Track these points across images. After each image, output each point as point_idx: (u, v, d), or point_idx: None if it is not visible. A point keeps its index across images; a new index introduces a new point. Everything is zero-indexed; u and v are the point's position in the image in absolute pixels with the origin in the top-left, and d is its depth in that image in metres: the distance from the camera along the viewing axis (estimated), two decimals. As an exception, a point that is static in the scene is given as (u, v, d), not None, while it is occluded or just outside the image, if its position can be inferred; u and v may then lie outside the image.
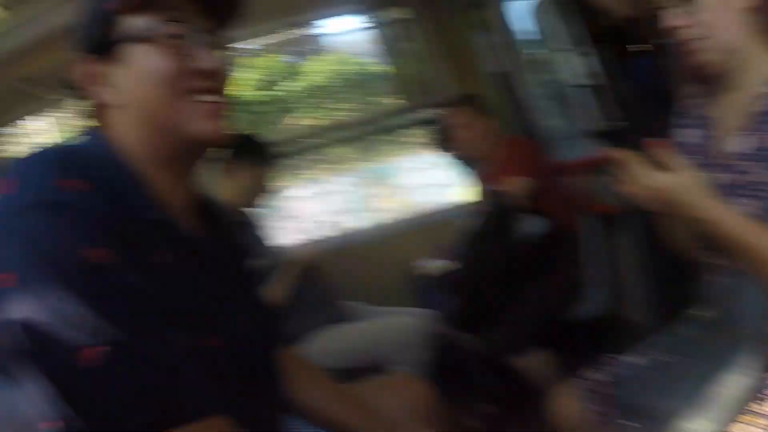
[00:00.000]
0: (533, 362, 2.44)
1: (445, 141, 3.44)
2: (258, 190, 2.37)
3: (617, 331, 2.37)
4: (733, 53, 1.30)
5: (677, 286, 1.62)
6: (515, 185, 2.72)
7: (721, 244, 1.23)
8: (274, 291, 2.20)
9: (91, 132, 0.91)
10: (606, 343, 1.65)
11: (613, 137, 1.29)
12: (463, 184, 3.56)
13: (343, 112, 9.94)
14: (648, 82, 3.35)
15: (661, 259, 1.64)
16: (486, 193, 2.98)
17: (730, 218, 1.19)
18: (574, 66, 3.28)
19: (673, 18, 1.29)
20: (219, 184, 2.26)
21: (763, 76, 1.31)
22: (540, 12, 3.71)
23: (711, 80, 1.39)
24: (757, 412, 1.13)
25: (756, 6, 1.29)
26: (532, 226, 2.71)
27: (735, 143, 1.31)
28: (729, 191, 1.26)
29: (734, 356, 1.22)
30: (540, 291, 2.59)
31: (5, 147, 3.25)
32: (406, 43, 3.91)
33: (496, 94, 3.74)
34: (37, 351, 0.69)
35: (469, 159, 3.27)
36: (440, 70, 3.90)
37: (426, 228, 3.63)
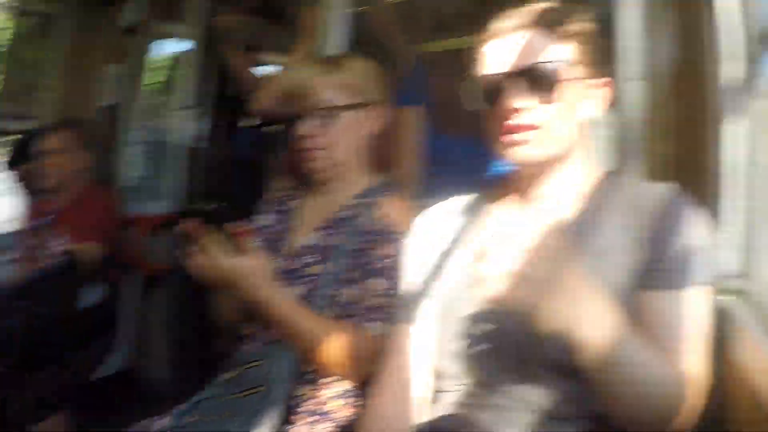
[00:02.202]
0: (51, 427, 2.49)
1: (20, 161, 3.39)
2: None
3: (141, 392, 2.52)
4: (339, 168, 1.70)
5: (206, 349, 1.99)
6: (83, 250, 2.77)
7: (271, 321, 1.54)
8: None
9: None
10: (128, 403, 1.82)
11: (199, 209, 1.53)
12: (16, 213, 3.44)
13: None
14: (248, 158, 3.71)
15: (197, 324, 1.93)
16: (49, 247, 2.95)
17: (282, 301, 1.52)
18: (184, 123, 3.38)
19: (306, 127, 1.63)
20: None
21: (355, 191, 1.71)
22: (180, 60, 3.81)
23: (310, 181, 1.78)
24: None
25: (368, 135, 1.73)
26: (90, 291, 2.81)
27: (306, 239, 1.68)
28: (289, 277, 1.61)
29: (263, 414, 1.44)
30: (74, 354, 2.71)
31: None
32: (36, 43, 3.72)
33: (102, 127, 3.78)
34: None
35: (39, 189, 3.19)
36: (55, 83, 3.78)
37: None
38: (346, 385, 1.60)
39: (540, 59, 1.14)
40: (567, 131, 1.19)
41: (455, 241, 1.34)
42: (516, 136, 1.14)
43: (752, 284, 1.41)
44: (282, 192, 1.93)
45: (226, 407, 1.55)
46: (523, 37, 1.16)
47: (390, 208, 1.66)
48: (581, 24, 1.19)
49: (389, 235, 1.60)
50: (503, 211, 1.31)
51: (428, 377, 1.32)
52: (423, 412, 1.31)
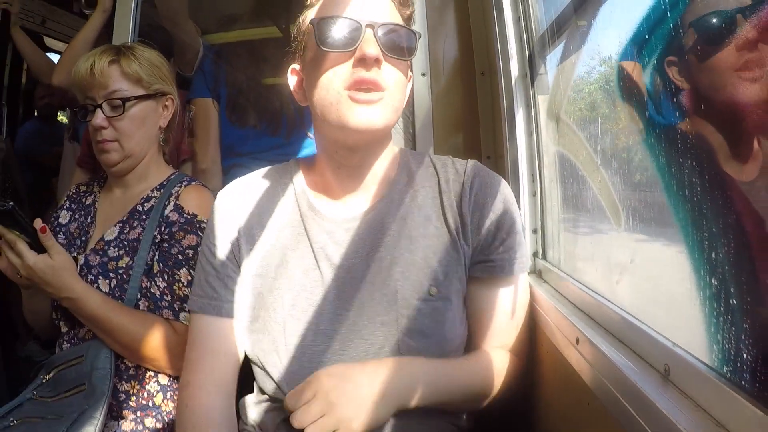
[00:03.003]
0: None
1: None
2: None
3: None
4: (135, 159, 1.66)
5: (17, 351, 1.94)
6: None
7: (82, 318, 1.48)
8: None
9: None
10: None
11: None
12: None
13: None
14: (36, 151, 3.68)
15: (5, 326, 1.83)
16: None
17: (91, 296, 1.47)
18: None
19: (96, 118, 1.57)
20: None
21: (153, 183, 1.68)
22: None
23: (106, 174, 1.75)
24: None
25: (164, 127, 1.72)
26: None
27: (109, 232, 1.62)
28: (96, 272, 1.56)
29: (87, 413, 1.41)
30: None
31: None
32: None
33: None
34: None
35: None
36: None
37: None
38: (166, 378, 1.57)
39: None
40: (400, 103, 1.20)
41: (258, 218, 1.30)
42: (367, 95, 1.10)
43: (546, 264, 1.52)
44: (76, 187, 1.84)
45: (47, 409, 1.47)
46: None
47: (189, 198, 1.63)
48: None
49: (191, 225, 1.58)
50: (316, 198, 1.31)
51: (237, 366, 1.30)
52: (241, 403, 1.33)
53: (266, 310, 1.24)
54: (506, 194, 1.26)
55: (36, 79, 3.84)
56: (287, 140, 2.19)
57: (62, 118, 4.48)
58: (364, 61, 1.07)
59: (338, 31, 1.09)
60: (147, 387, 1.55)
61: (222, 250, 1.30)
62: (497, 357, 1.27)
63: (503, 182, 1.28)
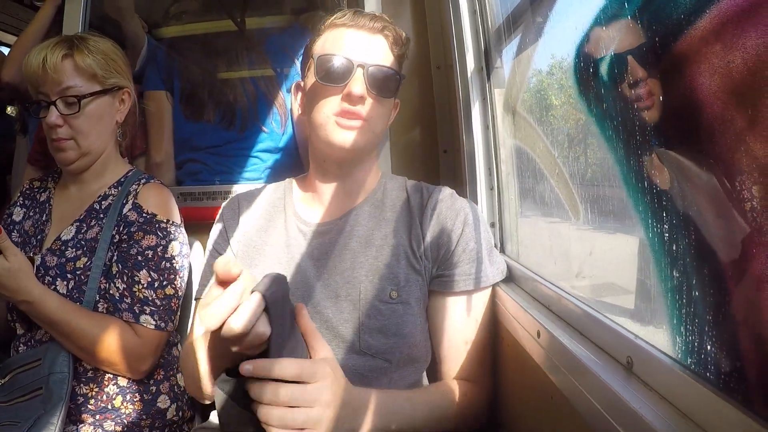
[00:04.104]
0: None
1: None
2: None
3: None
4: (91, 157, 1.61)
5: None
6: None
7: (40, 321, 1.46)
8: None
9: None
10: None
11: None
12: None
13: None
14: None
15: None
16: None
17: (49, 299, 1.43)
18: None
19: (50, 116, 1.52)
20: None
21: (110, 180, 1.65)
22: None
23: (62, 172, 1.71)
24: None
25: (121, 122, 1.68)
26: None
27: (66, 232, 1.58)
28: (54, 273, 1.52)
29: (45, 418, 1.38)
30: None
31: None
32: None
33: None
34: None
35: None
36: None
37: None
38: (126, 381, 1.53)
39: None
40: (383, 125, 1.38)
41: (264, 230, 1.42)
42: (350, 122, 1.28)
43: (506, 257, 1.52)
44: (30, 183, 1.77)
45: (4, 414, 1.42)
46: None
47: (148, 196, 1.59)
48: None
49: (150, 224, 1.55)
50: (305, 208, 1.44)
51: None
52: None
53: None
54: (468, 216, 1.35)
55: None
56: (242, 134, 2.16)
57: (11, 111, 4.30)
58: (350, 97, 1.26)
59: (333, 68, 1.28)
60: (106, 389, 1.51)
61: (219, 245, 1.44)
62: (454, 389, 1.31)
63: (470, 206, 1.39)
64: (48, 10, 2.29)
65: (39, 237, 1.62)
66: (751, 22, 0.61)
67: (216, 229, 1.47)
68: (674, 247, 0.77)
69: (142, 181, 1.64)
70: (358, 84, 1.26)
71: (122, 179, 1.66)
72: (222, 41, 2.28)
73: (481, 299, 1.34)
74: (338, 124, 1.29)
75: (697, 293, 0.73)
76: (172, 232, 1.58)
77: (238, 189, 2.04)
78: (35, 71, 1.53)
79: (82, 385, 1.50)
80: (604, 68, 0.96)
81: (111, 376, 1.52)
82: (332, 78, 1.28)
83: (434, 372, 1.40)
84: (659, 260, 0.82)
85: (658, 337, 0.84)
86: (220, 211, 1.50)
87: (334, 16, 1.36)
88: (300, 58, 1.54)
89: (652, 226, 0.83)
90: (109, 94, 1.62)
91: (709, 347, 0.72)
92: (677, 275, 0.77)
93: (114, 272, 1.52)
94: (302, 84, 1.43)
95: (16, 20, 4.02)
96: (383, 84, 1.30)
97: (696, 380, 0.71)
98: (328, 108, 1.29)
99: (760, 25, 0.60)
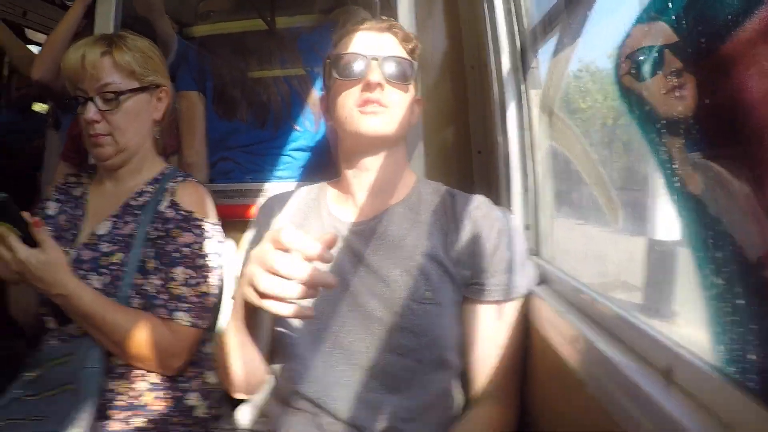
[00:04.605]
0: None
1: None
2: None
3: None
4: (128, 153, 1.62)
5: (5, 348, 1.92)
6: None
7: (74, 315, 1.46)
8: None
9: None
10: None
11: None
12: None
13: None
14: (15, 142, 3.66)
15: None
16: None
17: (84, 293, 1.43)
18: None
19: (88, 112, 1.52)
20: None
21: (146, 177, 1.66)
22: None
23: (98, 167, 1.71)
24: None
25: (158, 120, 1.68)
26: None
27: (101, 226, 1.58)
28: (88, 267, 1.52)
29: (74, 413, 1.37)
30: None
31: None
32: None
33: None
34: None
35: None
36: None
37: None
38: (157, 377, 1.54)
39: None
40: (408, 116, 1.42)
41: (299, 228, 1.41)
42: (372, 108, 1.34)
43: (541, 261, 1.50)
44: (65, 178, 1.78)
45: (33, 409, 1.42)
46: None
47: (185, 194, 1.60)
48: None
49: (188, 222, 1.56)
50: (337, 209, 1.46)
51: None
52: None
53: None
54: (505, 224, 1.37)
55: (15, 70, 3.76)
56: (275, 133, 2.17)
57: (39, 108, 4.38)
58: (369, 86, 1.33)
59: (350, 64, 1.36)
60: (136, 386, 1.52)
61: (250, 242, 1.46)
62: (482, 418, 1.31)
63: (505, 214, 1.40)
64: (78, 10, 2.30)
65: (73, 231, 1.63)
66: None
67: (251, 232, 1.49)
68: (718, 253, 0.75)
69: (179, 178, 1.65)
70: (374, 73, 1.34)
71: (159, 176, 1.67)
72: (253, 40, 2.30)
73: (514, 307, 1.34)
74: (361, 113, 1.34)
75: (742, 300, 0.71)
76: (209, 230, 1.59)
77: (269, 187, 2.04)
78: (74, 67, 1.55)
79: (112, 381, 1.50)
80: (647, 68, 0.94)
81: (142, 372, 1.52)
82: (350, 73, 1.36)
83: (465, 383, 1.39)
84: (703, 266, 0.80)
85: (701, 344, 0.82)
86: (255, 215, 1.52)
87: (344, 29, 1.46)
88: None
89: (696, 230, 0.81)
90: (147, 91, 1.63)
91: (754, 355, 0.70)
92: (722, 282, 0.75)
93: (150, 268, 1.53)
94: (325, 94, 1.49)
95: (48, 20, 4.09)
96: (398, 71, 1.36)
97: (740, 390, 0.69)
98: (350, 101, 1.36)
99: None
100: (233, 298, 1.43)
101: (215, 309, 1.62)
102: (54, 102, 2.86)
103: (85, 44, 1.57)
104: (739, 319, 0.72)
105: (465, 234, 1.34)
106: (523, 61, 1.64)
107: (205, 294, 1.55)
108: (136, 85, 1.60)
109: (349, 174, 1.44)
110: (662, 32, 0.92)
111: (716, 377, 0.74)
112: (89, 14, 2.28)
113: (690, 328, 0.95)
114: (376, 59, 1.35)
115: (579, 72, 1.50)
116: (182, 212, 1.57)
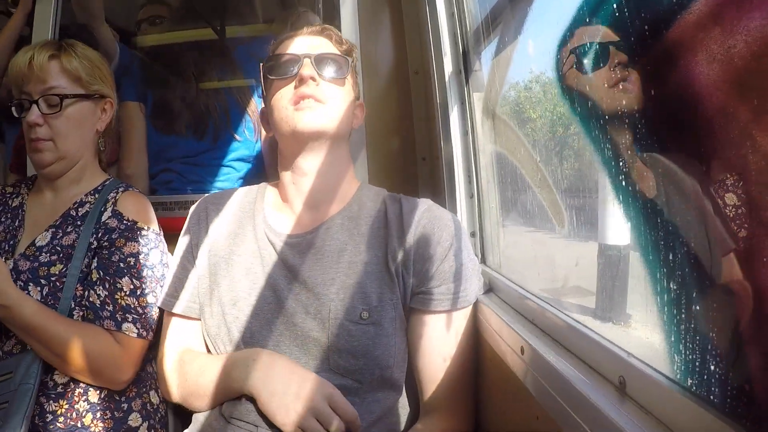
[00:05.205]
0: None
1: None
2: None
3: None
4: (69, 161, 1.56)
5: None
6: None
7: (15, 327, 1.38)
8: None
9: None
10: None
11: None
12: None
13: None
14: None
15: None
16: None
17: (26, 304, 1.37)
18: None
19: (31, 115, 1.47)
20: None
21: (88, 187, 1.60)
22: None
23: (38, 175, 1.65)
24: None
25: (101, 131, 1.62)
26: None
27: (41, 237, 1.52)
28: (26, 278, 1.44)
29: (3, 428, 1.30)
30: None
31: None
32: None
33: None
34: None
35: None
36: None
37: None
38: (97, 397, 1.46)
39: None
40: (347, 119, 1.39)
41: (233, 236, 1.40)
42: (307, 103, 1.31)
43: (487, 269, 1.46)
44: (3, 187, 1.71)
45: None
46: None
47: (128, 204, 1.55)
48: None
49: (132, 232, 1.51)
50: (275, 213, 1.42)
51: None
52: None
53: (209, 305, 1.35)
54: (455, 230, 1.32)
55: None
56: (214, 144, 2.11)
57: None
58: (302, 80, 1.31)
59: (284, 63, 1.35)
60: (76, 406, 1.44)
61: (187, 255, 1.44)
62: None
63: (454, 219, 1.35)
64: (19, 18, 2.23)
65: (11, 242, 1.57)
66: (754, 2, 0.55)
67: (185, 236, 1.45)
68: (671, 257, 0.71)
69: (120, 189, 1.60)
70: (307, 68, 1.32)
71: (99, 187, 1.62)
72: (193, 51, 2.23)
73: (463, 315, 1.29)
74: (296, 109, 1.31)
75: (696, 307, 0.67)
76: (153, 239, 1.54)
77: (210, 199, 1.96)
78: (21, 69, 1.50)
79: (51, 401, 1.43)
80: (588, 63, 0.90)
81: (81, 391, 1.45)
82: (284, 71, 1.35)
83: (414, 396, 1.34)
84: (654, 271, 0.76)
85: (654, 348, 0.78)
86: (188, 216, 1.48)
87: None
88: None
89: (645, 232, 0.77)
90: (91, 99, 1.59)
91: (710, 366, 0.65)
92: (674, 287, 0.70)
93: (94, 279, 1.47)
94: (264, 104, 1.48)
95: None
96: (332, 67, 1.36)
97: (695, 402, 0.65)
98: (285, 98, 1.33)
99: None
100: (159, 307, 1.44)
101: (158, 321, 1.54)
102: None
103: (34, 47, 1.53)
104: (693, 326, 0.67)
105: (412, 239, 1.28)
106: (465, 64, 1.60)
107: (152, 305, 1.50)
108: (81, 91, 1.56)
109: (288, 179, 1.39)
110: (603, 29, 0.89)
111: (670, 388, 0.69)
112: (31, 22, 2.19)
113: (642, 332, 0.91)
114: (308, 56, 1.34)
115: (529, 83, 1.47)
116: (126, 221, 1.52)
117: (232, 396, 1.24)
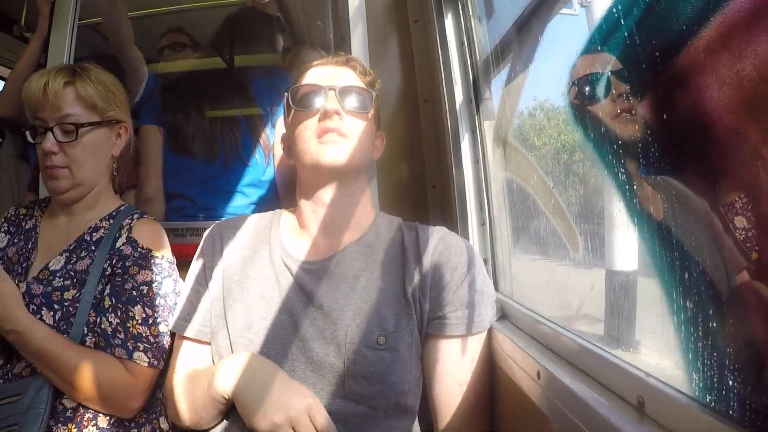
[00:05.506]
0: None
1: None
2: None
3: None
4: (86, 189, 1.58)
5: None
6: None
7: (26, 352, 1.38)
8: None
9: None
10: None
11: None
12: None
13: None
14: None
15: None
16: None
17: (37, 329, 1.37)
18: None
19: (47, 143, 1.47)
20: None
21: (102, 212, 1.61)
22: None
23: (53, 200, 1.64)
24: None
25: (116, 156, 1.63)
26: None
27: (54, 261, 1.52)
28: (39, 302, 1.44)
29: None
30: None
31: None
32: None
33: None
34: None
35: None
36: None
37: None
38: (106, 423, 1.45)
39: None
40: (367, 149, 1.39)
41: (248, 260, 1.40)
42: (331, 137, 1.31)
43: (500, 295, 1.46)
44: (16, 209, 1.71)
45: None
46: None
47: (142, 231, 1.55)
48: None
49: (146, 260, 1.50)
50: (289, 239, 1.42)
51: None
52: None
53: (223, 329, 1.34)
54: (469, 256, 1.32)
55: None
56: (225, 168, 2.15)
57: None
58: (326, 114, 1.31)
59: (307, 95, 1.35)
60: (85, 431, 1.43)
61: (201, 279, 1.44)
62: None
63: (469, 246, 1.36)
64: (37, 44, 2.27)
65: (24, 265, 1.56)
66: (762, 27, 0.57)
67: (198, 260, 1.46)
68: (686, 277, 0.72)
69: (135, 216, 1.60)
70: (331, 102, 1.32)
71: (114, 213, 1.62)
72: (211, 79, 2.27)
73: (478, 340, 1.30)
74: (320, 143, 1.31)
75: (714, 324, 0.67)
76: (166, 268, 1.54)
77: (222, 226, 1.99)
78: (35, 95, 1.50)
79: (60, 425, 1.42)
80: (600, 90, 0.92)
81: (91, 416, 1.44)
82: (308, 103, 1.34)
83: (429, 422, 1.33)
84: (669, 291, 0.77)
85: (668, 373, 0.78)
86: (201, 240, 1.48)
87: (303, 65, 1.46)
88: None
89: (661, 257, 0.78)
90: (107, 126, 1.60)
91: (730, 383, 0.66)
92: (691, 306, 0.71)
93: (107, 306, 1.46)
94: (286, 131, 1.47)
95: (7, 52, 4.00)
96: (356, 101, 1.35)
97: (714, 418, 0.65)
98: (308, 131, 1.33)
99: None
100: (171, 332, 1.43)
101: (169, 350, 1.54)
102: (22, 135, 2.79)
103: (49, 73, 1.53)
104: (710, 343, 0.68)
105: (428, 265, 1.29)
106: (476, 92, 1.62)
107: (163, 334, 1.49)
108: (96, 119, 1.57)
109: (307, 208, 1.40)
110: (610, 59, 0.91)
111: (690, 406, 0.70)
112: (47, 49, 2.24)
113: (654, 357, 0.91)
114: (333, 89, 1.33)
115: (533, 110, 1.49)
116: (141, 249, 1.52)
117: (221, 401, 1.24)
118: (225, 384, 1.21)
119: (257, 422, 1.15)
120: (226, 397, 1.22)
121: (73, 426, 1.43)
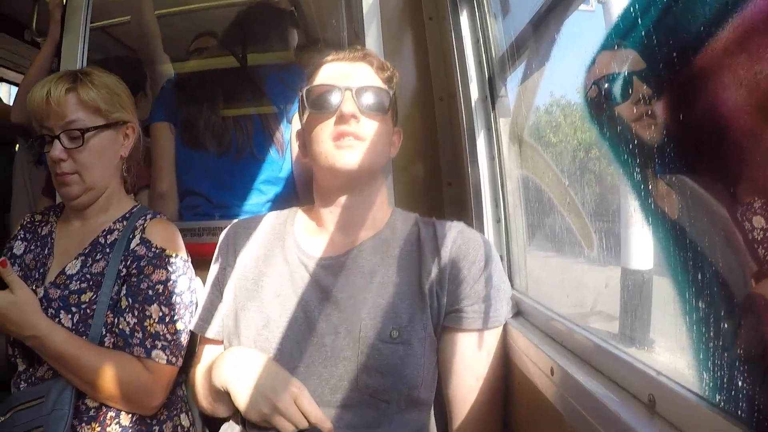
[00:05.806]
0: None
1: None
2: None
3: None
4: (98, 192, 1.59)
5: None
6: None
7: (46, 356, 1.41)
8: None
9: None
10: None
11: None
12: None
13: None
14: None
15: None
16: None
17: (56, 333, 1.39)
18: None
19: (54, 150, 1.49)
20: None
21: (115, 215, 1.62)
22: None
23: (66, 206, 1.67)
24: None
25: (125, 157, 1.64)
26: None
27: (71, 265, 1.54)
28: (57, 306, 1.46)
29: None
30: None
31: None
32: None
33: None
34: None
35: None
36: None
37: None
38: (129, 421, 1.48)
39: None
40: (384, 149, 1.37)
41: (263, 259, 1.41)
42: (348, 142, 1.29)
43: (515, 292, 1.47)
44: (32, 215, 1.74)
45: None
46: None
47: (156, 231, 1.57)
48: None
49: (160, 259, 1.52)
50: (307, 238, 1.43)
51: None
52: None
53: (238, 328, 1.36)
54: (487, 251, 1.32)
55: None
56: (237, 160, 2.14)
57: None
58: (343, 118, 1.28)
59: (323, 96, 1.31)
60: (108, 429, 1.46)
61: (219, 278, 1.47)
62: None
63: (486, 241, 1.35)
64: (49, 49, 2.28)
65: (41, 270, 1.59)
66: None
67: (215, 261, 1.47)
68: (699, 277, 0.72)
69: (149, 216, 1.62)
70: (348, 104, 1.29)
71: (127, 214, 1.64)
72: (224, 78, 2.28)
73: (494, 335, 1.30)
74: (336, 147, 1.29)
75: (726, 325, 0.68)
76: (181, 266, 1.56)
77: (238, 225, 1.98)
78: (39, 105, 1.51)
79: (84, 424, 1.45)
80: (617, 90, 0.92)
81: (113, 414, 1.47)
82: (323, 105, 1.31)
83: (442, 418, 1.34)
84: (683, 291, 0.77)
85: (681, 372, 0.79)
86: (219, 241, 1.51)
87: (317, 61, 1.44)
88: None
89: (676, 256, 0.78)
90: (112, 128, 1.60)
91: (740, 383, 0.66)
92: (704, 307, 0.71)
93: (123, 306, 1.49)
94: (302, 129, 1.45)
95: (19, 57, 4.04)
96: (374, 102, 1.32)
97: (724, 418, 0.66)
98: (325, 134, 1.31)
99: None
100: (191, 331, 1.46)
101: (188, 347, 1.56)
102: (30, 140, 2.83)
103: (50, 81, 1.53)
104: (722, 343, 0.69)
105: (447, 259, 1.29)
106: (491, 89, 1.63)
107: (180, 331, 1.51)
108: (101, 122, 1.57)
109: (324, 207, 1.40)
110: (627, 58, 0.91)
111: (701, 406, 0.70)
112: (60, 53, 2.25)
113: (668, 356, 0.92)
114: (349, 90, 1.30)
115: (549, 107, 1.49)
116: (154, 249, 1.53)
117: (222, 393, 1.27)
118: (219, 377, 1.26)
119: (248, 413, 1.19)
120: (223, 390, 1.25)
121: (97, 425, 1.46)
